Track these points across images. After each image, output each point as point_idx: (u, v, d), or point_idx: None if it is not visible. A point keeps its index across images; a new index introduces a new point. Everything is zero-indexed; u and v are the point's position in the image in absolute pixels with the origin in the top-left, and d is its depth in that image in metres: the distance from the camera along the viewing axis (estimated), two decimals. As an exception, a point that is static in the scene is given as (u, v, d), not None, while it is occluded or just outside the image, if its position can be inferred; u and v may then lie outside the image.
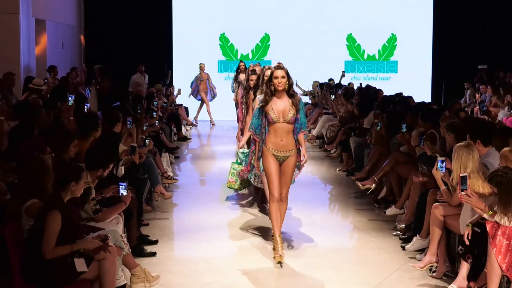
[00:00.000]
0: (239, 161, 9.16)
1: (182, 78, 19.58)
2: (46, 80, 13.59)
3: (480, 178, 6.09)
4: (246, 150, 8.68)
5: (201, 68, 18.88)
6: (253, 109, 8.60)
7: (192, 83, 18.98)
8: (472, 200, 5.77)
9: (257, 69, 9.34)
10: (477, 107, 16.19)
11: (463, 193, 5.80)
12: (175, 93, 17.97)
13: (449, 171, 6.59)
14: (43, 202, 5.37)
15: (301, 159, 7.26)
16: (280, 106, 7.08)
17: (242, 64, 16.44)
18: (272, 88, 7.10)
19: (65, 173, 5.44)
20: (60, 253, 5.20)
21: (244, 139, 8.80)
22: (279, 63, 7.13)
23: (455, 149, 6.33)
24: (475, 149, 6.30)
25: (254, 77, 9.18)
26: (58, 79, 14.33)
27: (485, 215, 5.74)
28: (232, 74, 18.17)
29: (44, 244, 5.14)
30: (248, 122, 8.28)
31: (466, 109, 12.65)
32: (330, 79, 17.54)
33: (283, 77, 7.05)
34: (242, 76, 14.99)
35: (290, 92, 7.15)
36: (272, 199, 7.20)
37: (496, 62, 19.26)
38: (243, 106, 9.37)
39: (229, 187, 9.39)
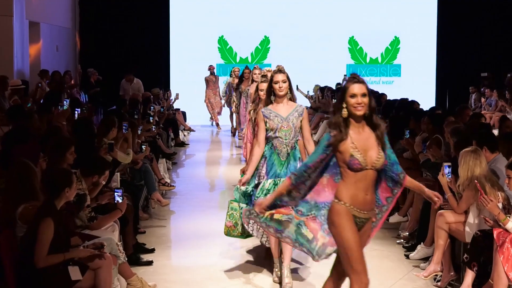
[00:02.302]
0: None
1: (180, 82, 19.48)
2: (40, 85, 13.44)
3: (487, 184, 6.00)
4: (250, 187, 6.50)
5: (234, 72, 17.37)
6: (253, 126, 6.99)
7: (225, 91, 18.02)
8: (490, 204, 5.72)
9: (269, 74, 6.77)
10: (483, 111, 16.11)
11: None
12: (172, 98, 17.78)
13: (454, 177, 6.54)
14: (36, 209, 5.30)
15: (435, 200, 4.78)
16: (364, 143, 4.54)
17: (247, 70, 14.98)
18: (344, 112, 4.54)
19: (58, 180, 5.37)
20: (53, 261, 5.16)
21: (249, 172, 6.46)
22: (355, 75, 4.68)
23: (462, 154, 6.30)
24: (482, 155, 6.29)
25: (265, 86, 6.75)
26: (47, 85, 14.14)
27: (500, 222, 5.68)
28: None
29: (36, 252, 5.11)
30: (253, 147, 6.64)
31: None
32: (338, 84, 17.23)
33: (363, 94, 4.56)
34: (244, 85, 14.37)
35: (373, 119, 4.61)
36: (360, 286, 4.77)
37: (502, 65, 19.06)
38: (253, 125, 7.18)
39: (226, 234, 7.00)
